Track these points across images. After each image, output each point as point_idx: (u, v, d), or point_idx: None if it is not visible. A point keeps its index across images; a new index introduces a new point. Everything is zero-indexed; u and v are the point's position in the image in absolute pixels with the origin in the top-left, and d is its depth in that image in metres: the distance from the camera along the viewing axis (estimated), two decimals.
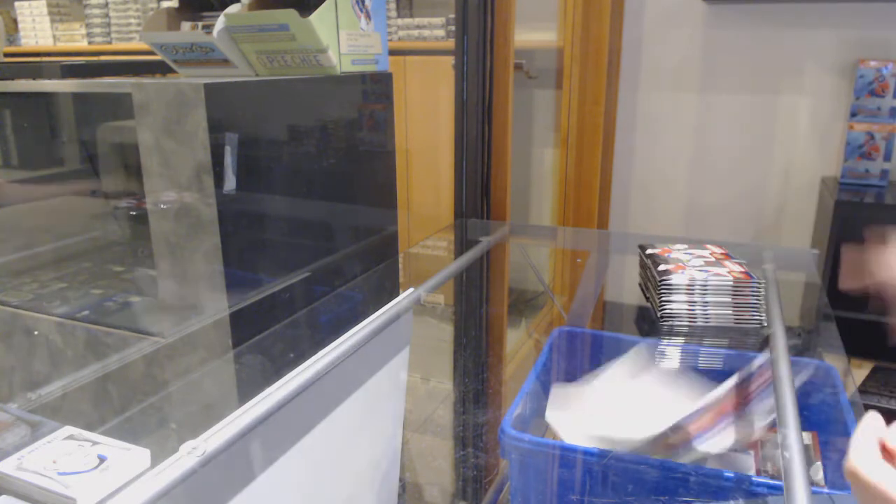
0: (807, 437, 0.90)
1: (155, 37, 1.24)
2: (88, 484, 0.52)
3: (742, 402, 0.67)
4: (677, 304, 1.12)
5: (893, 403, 1.78)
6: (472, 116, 1.66)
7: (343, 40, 1.24)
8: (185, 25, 1.29)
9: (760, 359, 0.89)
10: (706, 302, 1.12)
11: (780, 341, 0.97)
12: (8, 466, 0.53)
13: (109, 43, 3.55)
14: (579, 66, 2.32)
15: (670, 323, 1.12)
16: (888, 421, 0.55)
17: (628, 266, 1.47)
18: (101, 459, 0.55)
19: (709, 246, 1.31)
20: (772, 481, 0.75)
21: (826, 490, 0.71)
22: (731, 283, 1.11)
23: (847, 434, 0.80)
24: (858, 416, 0.59)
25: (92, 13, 3.54)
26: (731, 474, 0.77)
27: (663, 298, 1.13)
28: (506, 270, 1.74)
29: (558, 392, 1.04)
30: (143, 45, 1.42)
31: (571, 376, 1.12)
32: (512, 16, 1.67)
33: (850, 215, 1.88)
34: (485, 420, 1.26)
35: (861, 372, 1.90)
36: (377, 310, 0.91)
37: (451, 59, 2.33)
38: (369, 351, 0.85)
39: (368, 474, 0.92)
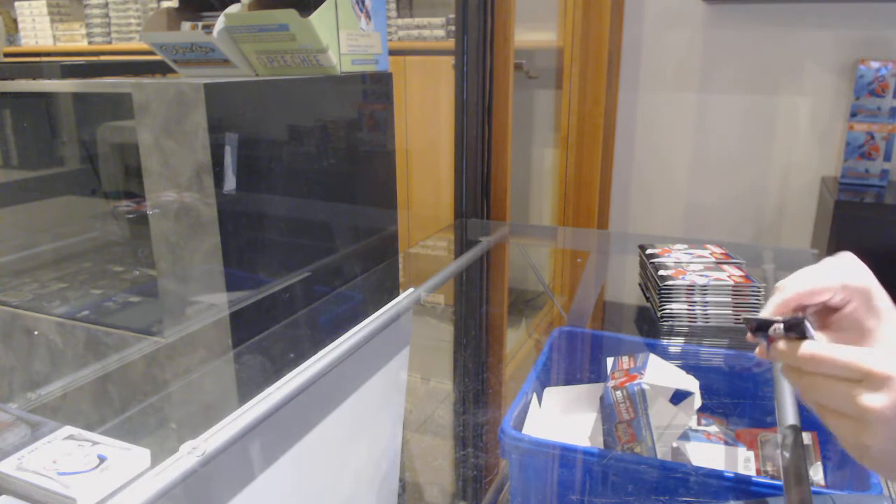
0: (807, 437, 0.90)
1: (155, 37, 1.24)
2: (88, 484, 0.52)
3: None
4: (677, 306, 1.12)
5: None
6: (472, 116, 1.66)
7: (343, 40, 1.24)
8: (185, 25, 1.28)
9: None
10: (706, 302, 1.12)
11: None
12: (8, 466, 0.53)
13: (109, 43, 3.55)
14: (579, 66, 2.32)
15: (670, 323, 1.12)
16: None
17: (628, 266, 1.47)
18: (101, 459, 0.55)
19: (709, 246, 1.31)
20: (772, 481, 0.75)
21: (826, 490, 0.71)
22: (731, 286, 1.11)
23: None
24: None
25: (92, 13, 3.54)
26: (731, 474, 0.77)
27: (664, 301, 1.13)
28: (506, 270, 1.74)
29: (551, 394, 1.04)
30: (143, 45, 1.42)
31: (571, 376, 1.12)
32: (512, 16, 1.67)
33: (850, 215, 1.88)
34: (485, 420, 1.26)
35: None
36: (377, 310, 0.91)
37: (451, 59, 2.33)
38: (369, 351, 0.85)
39: (368, 474, 0.92)
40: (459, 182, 1.72)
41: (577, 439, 0.96)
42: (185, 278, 1.06)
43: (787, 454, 0.64)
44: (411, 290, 1.01)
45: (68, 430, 0.58)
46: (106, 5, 3.50)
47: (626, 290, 1.42)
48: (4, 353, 1.27)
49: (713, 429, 0.99)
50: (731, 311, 1.12)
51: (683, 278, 1.13)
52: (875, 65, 1.99)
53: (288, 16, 1.13)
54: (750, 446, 0.95)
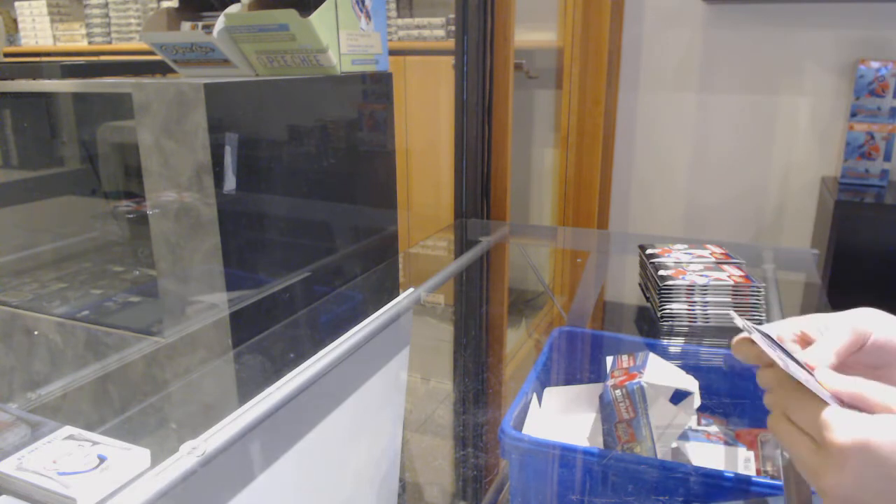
0: None
1: (155, 37, 1.24)
2: (88, 484, 0.52)
3: None
4: (677, 306, 1.12)
5: None
6: (472, 116, 1.66)
7: (343, 40, 1.24)
8: (185, 25, 1.28)
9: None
10: (706, 302, 1.12)
11: None
12: (8, 466, 0.53)
13: (109, 43, 3.55)
14: (579, 66, 2.32)
15: (670, 323, 1.12)
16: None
17: (628, 266, 1.47)
18: (101, 459, 0.55)
19: (709, 246, 1.31)
20: (772, 481, 0.75)
21: None
22: (731, 286, 1.11)
23: None
24: None
25: (92, 13, 3.54)
26: (731, 474, 0.77)
27: (664, 301, 1.13)
28: (506, 270, 1.74)
29: (551, 394, 1.04)
30: (143, 45, 1.42)
31: (571, 376, 1.12)
32: (512, 16, 1.67)
33: (850, 215, 1.88)
34: (485, 420, 1.26)
35: None
36: (377, 310, 0.91)
37: (451, 59, 2.33)
38: (369, 351, 0.85)
39: (368, 474, 0.92)
40: (459, 182, 1.72)
41: (577, 439, 0.96)
42: (185, 278, 1.06)
43: (786, 454, 0.64)
44: (411, 290, 1.01)
45: (68, 430, 0.58)
46: (106, 5, 3.51)
47: (626, 290, 1.42)
48: (4, 353, 1.27)
49: (713, 429, 0.99)
50: (731, 312, 1.12)
51: (683, 278, 1.13)
52: (875, 65, 1.99)
53: (288, 16, 1.13)
54: (750, 446, 0.95)
